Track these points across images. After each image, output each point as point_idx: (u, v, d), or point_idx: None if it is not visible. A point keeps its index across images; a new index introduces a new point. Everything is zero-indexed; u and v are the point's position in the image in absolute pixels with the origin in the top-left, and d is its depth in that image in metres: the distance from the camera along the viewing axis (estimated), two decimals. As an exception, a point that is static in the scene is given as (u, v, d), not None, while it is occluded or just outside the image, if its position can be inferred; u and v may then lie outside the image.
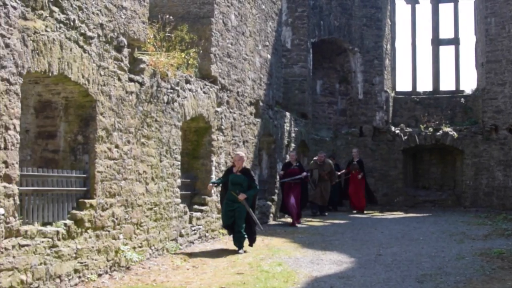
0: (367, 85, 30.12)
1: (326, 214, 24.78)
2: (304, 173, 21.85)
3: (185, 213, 15.24)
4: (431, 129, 29.21)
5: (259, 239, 16.13)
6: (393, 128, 29.65)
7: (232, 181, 15.09)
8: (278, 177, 22.56)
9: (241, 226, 15.00)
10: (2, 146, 8.64)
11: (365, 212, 26.17)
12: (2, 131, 8.64)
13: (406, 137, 29.30)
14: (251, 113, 20.16)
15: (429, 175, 30.28)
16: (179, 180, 14.93)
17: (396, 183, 29.14)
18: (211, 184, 15.80)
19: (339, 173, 26.29)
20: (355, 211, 26.19)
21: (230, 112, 18.23)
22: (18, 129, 9.03)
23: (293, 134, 25.23)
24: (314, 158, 24.97)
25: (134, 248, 12.55)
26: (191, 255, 14.09)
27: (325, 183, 24.28)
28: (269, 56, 22.29)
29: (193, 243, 15.59)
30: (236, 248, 14.98)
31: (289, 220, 21.81)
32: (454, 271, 12.32)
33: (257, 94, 20.77)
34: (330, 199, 25.24)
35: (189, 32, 16.02)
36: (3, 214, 8.81)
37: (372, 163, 29.12)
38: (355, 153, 27.13)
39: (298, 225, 21.00)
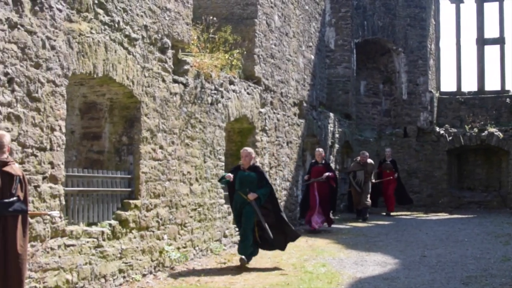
0: (411, 86, 29.89)
1: (367, 216, 24.29)
2: (326, 174, 19.24)
3: (229, 213, 15.23)
4: (476, 130, 28.84)
5: (302, 240, 16.07)
6: (437, 129, 29.33)
7: (241, 180, 13.15)
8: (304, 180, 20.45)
9: (248, 231, 13.14)
10: (48, 147, 8.75)
11: (391, 214, 25.39)
12: (48, 132, 8.75)
13: (450, 138, 28.97)
14: (294, 114, 20.13)
15: (474, 176, 29.90)
16: (223, 181, 14.94)
17: (441, 184, 28.82)
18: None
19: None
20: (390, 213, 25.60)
21: (274, 113, 18.23)
22: (63, 130, 9.14)
23: (337, 135, 25.13)
24: (357, 158, 24.43)
25: (178, 248, 12.61)
26: (235, 255, 14.12)
27: (367, 184, 23.86)
28: (312, 57, 22.24)
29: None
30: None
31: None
32: (500, 273, 12.19)
33: (300, 94, 20.74)
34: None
35: (233, 33, 16.07)
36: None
37: (417, 164, 28.88)
38: (388, 152, 26.43)
39: (317, 227, 19.02)
